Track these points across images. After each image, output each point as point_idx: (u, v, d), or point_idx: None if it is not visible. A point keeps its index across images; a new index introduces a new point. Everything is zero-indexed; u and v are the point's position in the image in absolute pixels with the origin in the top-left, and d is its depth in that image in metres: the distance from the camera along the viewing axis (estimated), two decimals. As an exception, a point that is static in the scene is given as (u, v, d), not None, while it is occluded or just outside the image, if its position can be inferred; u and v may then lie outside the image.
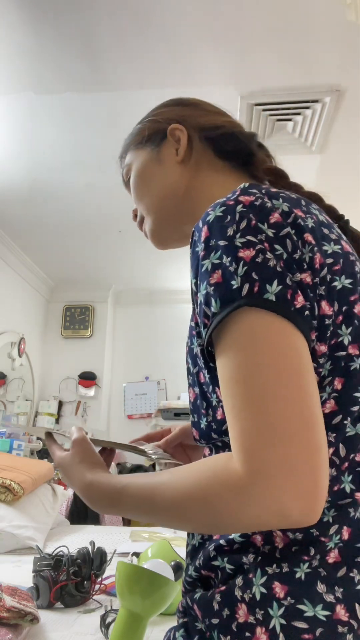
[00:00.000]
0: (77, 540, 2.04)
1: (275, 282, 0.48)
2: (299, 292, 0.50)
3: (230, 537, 0.54)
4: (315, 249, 0.53)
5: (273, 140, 2.55)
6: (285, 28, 1.92)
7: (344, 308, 0.53)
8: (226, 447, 0.59)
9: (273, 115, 2.39)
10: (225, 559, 0.54)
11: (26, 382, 4.25)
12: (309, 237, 0.53)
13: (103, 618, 1.01)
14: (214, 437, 0.59)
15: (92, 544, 1.28)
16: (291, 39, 1.97)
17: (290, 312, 0.48)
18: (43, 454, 3.94)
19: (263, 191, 0.55)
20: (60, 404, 4.44)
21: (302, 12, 1.86)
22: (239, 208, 0.53)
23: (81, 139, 2.59)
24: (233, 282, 0.49)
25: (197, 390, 0.62)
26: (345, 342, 0.53)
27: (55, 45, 2.02)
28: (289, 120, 2.41)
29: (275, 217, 0.52)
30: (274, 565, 0.50)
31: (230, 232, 0.51)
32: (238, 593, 0.49)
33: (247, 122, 2.42)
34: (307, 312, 0.49)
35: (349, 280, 0.54)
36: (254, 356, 0.47)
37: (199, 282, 0.53)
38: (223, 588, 0.51)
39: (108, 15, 1.89)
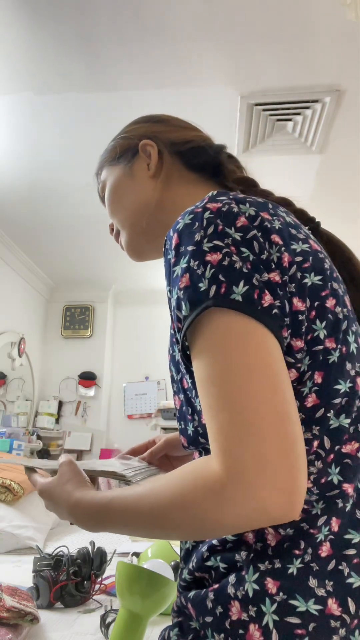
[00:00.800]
0: (77, 540, 2.04)
1: (242, 283, 0.50)
2: (267, 291, 0.51)
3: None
4: (283, 248, 0.55)
5: (273, 140, 2.55)
6: (285, 28, 1.92)
7: (316, 303, 0.55)
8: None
9: (273, 115, 2.38)
10: (219, 558, 0.54)
11: (26, 382, 4.25)
12: (275, 237, 0.55)
13: (103, 618, 1.01)
14: (202, 442, 0.60)
15: (92, 544, 1.28)
16: (291, 39, 1.97)
17: (257, 311, 0.49)
18: (43, 454, 3.94)
19: (231, 196, 0.57)
20: (60, 404, 4.44)
21: (302, 12, 1.86)
22: (207, 214, 0.55)
23: (81, 139, 2.59)
24: (201, 285, 0.50)
25: (182, 397, 0.62)
26: (321, 336, 0.54)
27: (55, 45, 2.02)
28: (289, 120, 2.41)
29: (241, 220, 0.54)
30: (267, 562, 0.50)
31: (198, 237, 0.53)
32: (231, 590, 0.50)
33: (247, 122, 2.42)
34: (275, 311, 0.51)
35: (318, 277, 0.56)
36: (224, 356, 0.48)
37: (171, 288, 0.55)
38: (216, 586, 0.52)
39: (108, 16, 1.89)
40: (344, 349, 0.56)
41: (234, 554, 0.53)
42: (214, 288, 0.50)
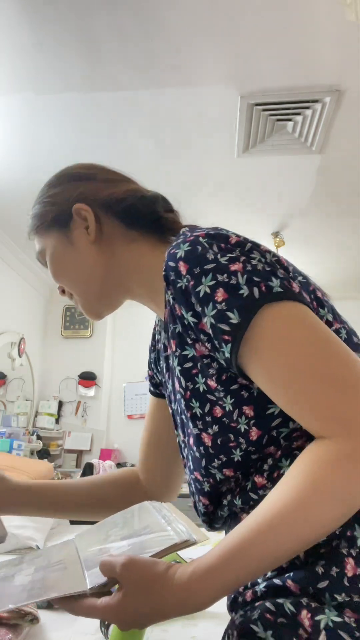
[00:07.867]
0: (77, 540, 2.03)
1: (273, 278, 0.55)
2: (291, 280, 0.57)
3: None
4: (275, 257, 0.60)
5: (273, 140, 2.55)
6: (285, 28, 1.92)
7: (312, 295, 0.62)
8: (266, 459, 0.59)
9: (273, 115, 2.38)
10: None
11: (26, 382, 4.25)
12: (264, 247, 0.60)
13: (103, 618, 1.00)
14: (253, 459, 0.59)
15: (92, 544, 1.28)
16: (291, 39, 1.97)
17: (297, 295, 0.55)
18: (43, 453, 3.94)
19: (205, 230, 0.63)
20: (60, 404, 4.44)
21: (302, 12, 1.86)
22: (202, 239, 0.58)
23: (81, 139, 2.59)
24: (241, 291, 0.54)
25: (215, 429, 0.61)
26: (330, 318, 0.61)
27: (55, 45, 2.02)
28: (289, 120, 2.41)
29: (234, 238, 0.59)
30: None
31: (210, 256, 0.56)
32: (344, 550, 0.51)
33: (247, 122, 2.42)
34: (303, 295, 0.58)
35: (301, 277, 0.63)
36: (298, 340, 0.52)
37: (200, 309, 0.56)
38: (323, 551, 0.51)
39: (108, 15, 1.88)
40: (346, 326, 0.63)
41: None
42: (255, 290, 0.53)
